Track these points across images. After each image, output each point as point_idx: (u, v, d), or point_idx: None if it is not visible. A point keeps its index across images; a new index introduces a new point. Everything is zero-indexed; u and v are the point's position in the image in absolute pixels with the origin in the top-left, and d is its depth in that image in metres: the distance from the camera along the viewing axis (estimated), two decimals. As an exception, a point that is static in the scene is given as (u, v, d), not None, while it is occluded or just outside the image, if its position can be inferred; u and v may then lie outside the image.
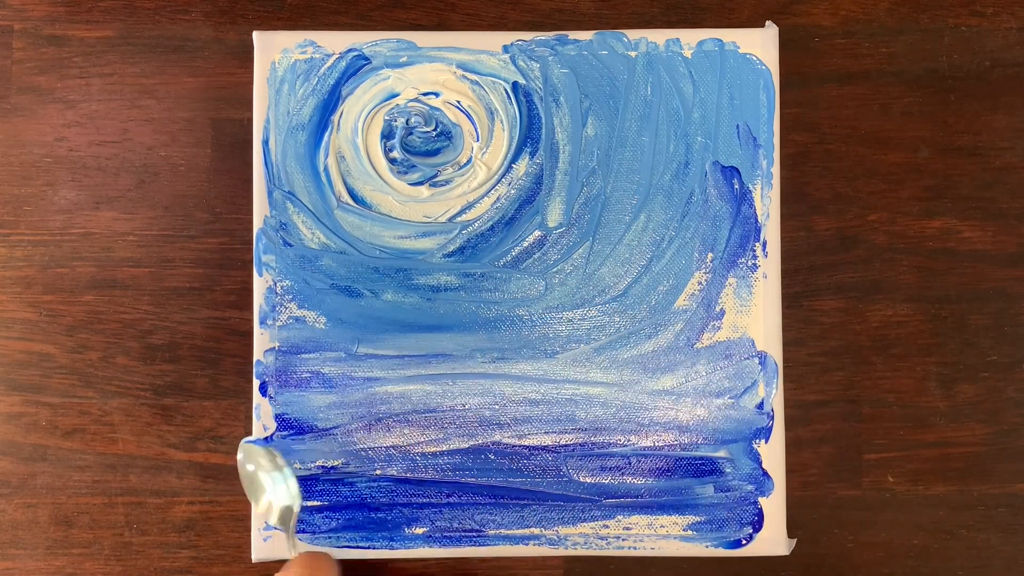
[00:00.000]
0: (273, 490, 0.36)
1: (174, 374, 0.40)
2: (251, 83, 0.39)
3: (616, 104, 0.40)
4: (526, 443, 0.39)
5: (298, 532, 0.38)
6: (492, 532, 0.39)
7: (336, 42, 0.39)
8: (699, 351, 0.39)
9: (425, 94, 0.40)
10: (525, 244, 0.39)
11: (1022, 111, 0.40)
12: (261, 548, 0.38)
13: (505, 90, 0.40)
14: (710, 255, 0.39)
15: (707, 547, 0.39)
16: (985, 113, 0.40)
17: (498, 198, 0.39)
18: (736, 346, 0.39)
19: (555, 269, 0.39)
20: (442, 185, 0.40)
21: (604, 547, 0.39)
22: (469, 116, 0.40)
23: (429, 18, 0.41)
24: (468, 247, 0.39)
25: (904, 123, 0.40)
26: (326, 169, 0.39)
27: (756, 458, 0.39)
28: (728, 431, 0.39)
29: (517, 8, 0.41)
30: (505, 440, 0.39)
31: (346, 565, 0.39)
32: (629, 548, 0.39)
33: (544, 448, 0.39)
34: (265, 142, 0.39)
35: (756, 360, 0.39)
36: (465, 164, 0.40)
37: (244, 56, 0.40)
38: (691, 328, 0.39)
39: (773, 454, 0.39)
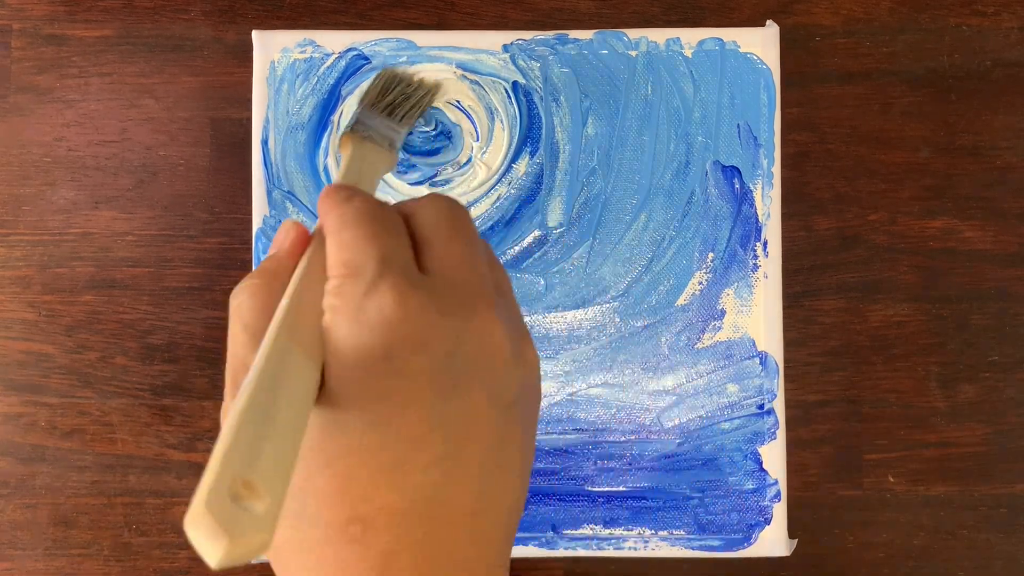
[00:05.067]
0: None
1: (173, 374, 0.40)
2: (250, 83, 0.39)
3: (616, 104, 0.39)
4: (526, 443, 0.39)
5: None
6: (492, 532, 0.39)
7: (336, 41, 0.39)
8: (700, 351, 0.39)
9: (425, 94, 0.40)
10: (525, 243, 0.39)
11: (1023, 111, 0.40)
12: (261, 549, 0.38)
13: (505, 90, 0.40)
14: (711, 255, 0.39)
15: (707, 548, 0.39)
16: (986, 113, 0.40)
17: (498, 198, 0.39)
18: (737, 346, 0.39)
19: (555, 269, 0.39)
20: (442, 185, 0.40)
21: (604, 547, 0.39)
22: (469, 116, 0.40)
23: (429, 18, 0.40)
24: (468, 247, 0.39)
25: (905, 123, 0.40)
26: (326, 169, 0.39)
27: (756, 459, 0.39)
28: (728, 431, 0.39)
29: (517, 8, 0.41)
30: (505, 440, 0.39)
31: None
32: (630, 548, 0.39)
33: (544, 448, 0.39)
34: (264, 142, 0.39)
35: (757, 360, 0.39)
36: (465, 164, 0.40)
37: (243, 56, 0.40)
38: (692, 328, 0.39)
39: (774, 455, 0.39)
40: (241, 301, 0.24)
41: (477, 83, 0.40)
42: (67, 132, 0.40)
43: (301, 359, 0.21)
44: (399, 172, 0.39)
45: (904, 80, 0.40)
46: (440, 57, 0.39)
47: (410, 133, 0.37)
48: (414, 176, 0.39)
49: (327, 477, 0.22)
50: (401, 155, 0.39)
